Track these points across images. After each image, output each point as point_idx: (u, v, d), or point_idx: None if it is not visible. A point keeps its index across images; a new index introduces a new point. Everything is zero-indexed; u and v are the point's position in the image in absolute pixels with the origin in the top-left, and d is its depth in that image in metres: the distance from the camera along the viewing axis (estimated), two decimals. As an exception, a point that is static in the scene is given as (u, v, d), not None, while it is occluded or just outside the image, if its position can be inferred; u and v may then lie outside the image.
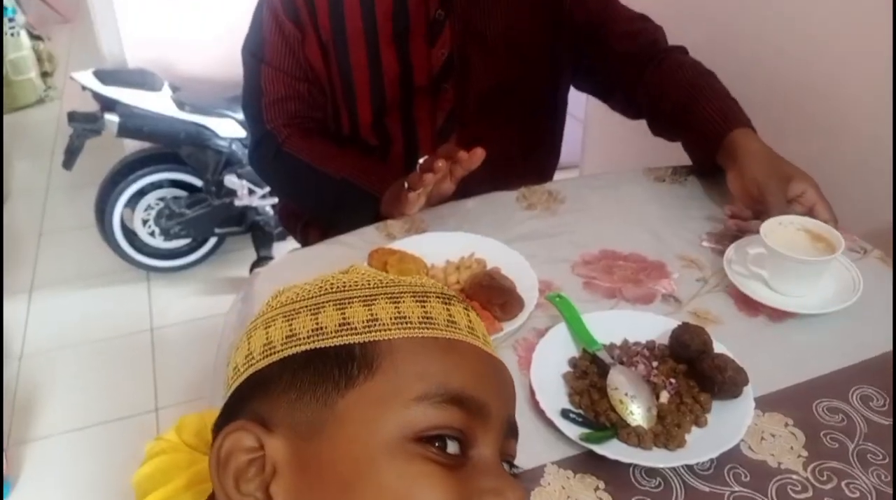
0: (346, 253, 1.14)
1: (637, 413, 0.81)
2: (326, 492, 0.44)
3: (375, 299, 0.48)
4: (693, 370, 0.86)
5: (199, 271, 2.61)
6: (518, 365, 0.91)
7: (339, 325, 0.47)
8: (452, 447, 0.45)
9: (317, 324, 0.47)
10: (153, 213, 2.47)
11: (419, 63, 1.22)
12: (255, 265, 2.54)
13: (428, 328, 0.48)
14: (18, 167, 3.34)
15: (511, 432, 0.50)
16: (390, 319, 0.47)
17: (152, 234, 2.50)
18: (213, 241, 2.60)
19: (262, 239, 2.54)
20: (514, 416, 0.52)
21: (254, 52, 1.24)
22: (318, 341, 0.47)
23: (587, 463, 0.78)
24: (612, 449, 0.77)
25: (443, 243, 1.11)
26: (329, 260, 1.13)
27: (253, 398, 0.48)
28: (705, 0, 1.73)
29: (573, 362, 0.90)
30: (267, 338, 0.48)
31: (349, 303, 0.48)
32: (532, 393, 0.85)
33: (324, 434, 0.45)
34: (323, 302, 0.49)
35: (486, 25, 1.22)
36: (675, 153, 1.29)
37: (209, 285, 2.55)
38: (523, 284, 1.01)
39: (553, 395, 0.85)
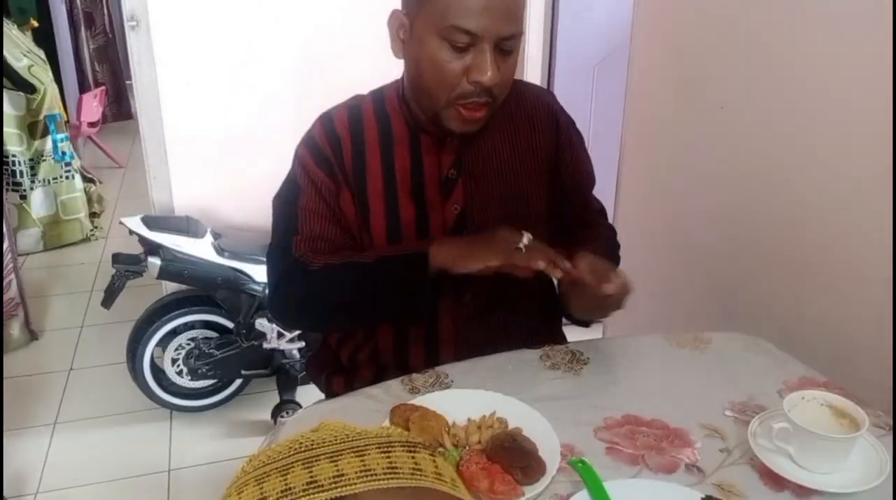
0: (370, 405, 1.16)
1: None
2: None
3: (341, 455, 0.51)
4: (717, 547, 0.85)
5: (222, 413, 2.61)
6: (539, 532, 0.90)
7: (307, 483, 0.49)
8: None
9: (286, 485, 0.49)
10: (183, 353, 2.52)
11: (435, 218, 1.29)
12: (277, 408, 2.54)
13: (393, 478, 0.49)
14: (57, 303, 3.45)
15: None
16: (355, 472, 0.49)
17: (180, 373, 2.53)
18: (238, 382, 2.62)
19: (287, 382, 2.56)
20: None
21: (287, 199, 1.29)
22: None
23: None
24: None
25: (465, 400, 1.13)
26: (353, 412, 1.14)
27: None
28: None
29: (595, 532, 0.88)
30: None
31: (316, 461, 0.50)
32: (552, 564, 0.83)
33: None
34: (292, 462, 0.51)
35: (495, 186, 1.31)
36: (699, 317, 1.32)
37: (231, 427, 2.54)
38: (545, 446, 1.02)
39: (574, 567, 0.83)
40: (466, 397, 1.14)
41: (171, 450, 2.43)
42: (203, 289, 2.45)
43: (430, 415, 1.08)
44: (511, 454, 0.98)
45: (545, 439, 1.04)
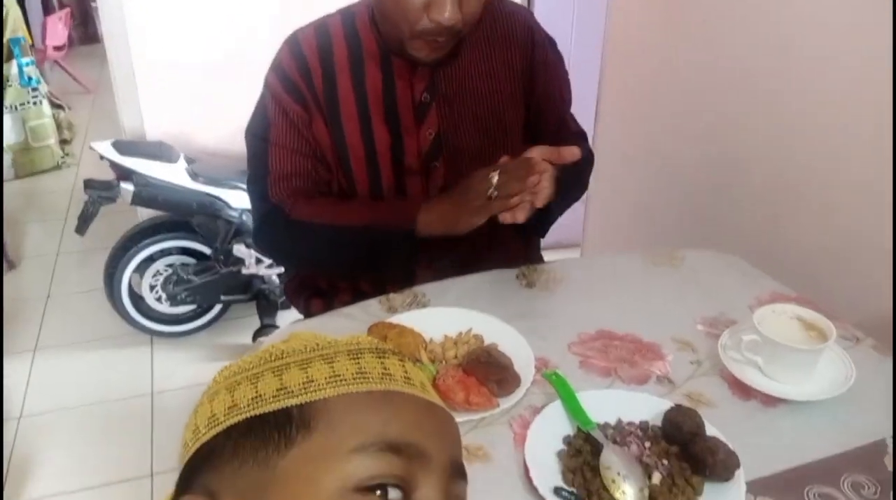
0: (348, 325, 1.16)
1: (629, 493, 0.81)
2: None
3: (311, 362, 0.51)
4: (685, 452, 0.87)
5: (203, 338, 2.63)
6: (513, 442, 0.92)
7: (277, 390, 0.49)
8: (394, 494, 0.46)
9: (256, 392, 0.49)
10: (161, 279, 2.51)
11: (409, 142, 1.26)
12: (257, 333, 2.55)
13: (362, 383, 0.50)
14: (31, 231, 3.40)
15: (457, 473, 0.51)
16: (325, 378, 0.49)
17: (159, 299, 2.53)
18: (217, 308, 2.63)
19: (267, 307, 2.57)
20: (460, 458, 0.53)
21: (258, 134, 1.27)
22: (258, 408, 0.49)
23: (578, 542, 0.79)
24: (604, 529, 0.78)
25: (442, 319, 1.14)
26: (331, 330, 1.13)
27: (200, 472, 0.49)
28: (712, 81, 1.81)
29: (567, 440, 0.91)
30: (211, 411, 0.50)
31: (286, 368, 0.51)
32: (526, 470, 0.86)
33: (268, 496, 0.46)
34: (262, 371, 0.51)
35: (470, 108, 1.28)
36: (675, 237, 1.33)
37: (212, 351, 2.56)
38: (520, 361, 1.03)
39: (547, 472, 0.86)
40: (443, 316, 1.15)
41: (153, 374, 2.46)
42: (178, 215, 2.42)
43: (408, 332, 1.09)
44: (486, 368, 1.00)
45: (520, 354, 1.05)
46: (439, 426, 0.52)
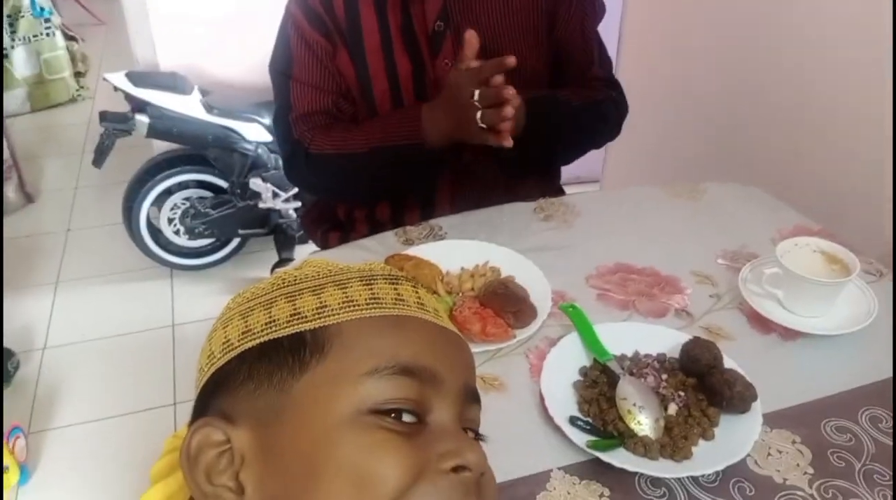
0: (364, 257, 1.16)
1: (645, 424, 0.82)
2: (290, 472, 0.46)
3: (324, 288, 0.50)
4: (702, 384, 0.87)
5: (222, 271, 2.64)
6: (529, 372, 0.93)
7: (290, 315, 0.49)
8: (408, 417, 0.47)
9: (270, 317, 0.50)
10: (179, 212, 2.51)
11: (429, 72, 1.24)
12: (276, 267, 2.57)
13: (375, 308, 0.50)
14: (49, 165, 3.41)
15: (470, 397, 0.52)
16: (338, 304, 0.49)
17: (177, 233, 2.54)
18: (236, 241, 2.64)
19: (284, 241, 2.58)
20: (474, 383, 0.53)
21: (281, 69, 1.26)
22: (272, 333, 0.49)
23: (593, 470, 0.79)
24: (619, 458, 0.78)
25: (459, 251, 1.13)
26: (347, 262, 1.14)
27: (216, 395, 0.50)
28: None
29: (583, 372, 0.91)
30: (225, 337, 0.51)
31: (299, 294, 0.50)
32: (542, 400, 0.86)
33: (283, 419, 0.47)
34: (275, 297, 0.51)
35: (486, 38, 1.24)
36: (696, 173, 1.30)
37: (231, 284, 2.59)
38: (537, 293, 1.03)
39: (562, 402, 0.86)
40: (460, 248, 1.15)
41: (173, 307, 2.49)
42: (194, 147, 2.41)
43: (425, 264, 1.09)
44: (503, 300, 0.99)
45: (537, 286, 1.05)
46: (452, 351, 0.52)
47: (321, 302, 0.49)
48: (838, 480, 0.79)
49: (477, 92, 1.05)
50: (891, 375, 0.92)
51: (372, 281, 0.51)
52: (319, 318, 0.49)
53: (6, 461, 1.75)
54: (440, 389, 0.49)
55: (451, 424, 0.49)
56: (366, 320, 0.49)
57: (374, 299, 0.50)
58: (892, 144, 1.34)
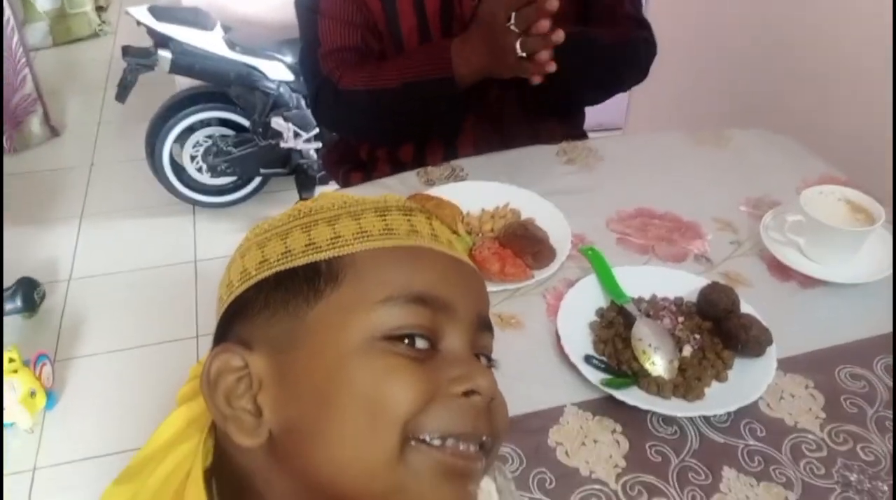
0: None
1: (659, 364, 0.83)
2: (306, 396, 0.47)
3: (339, 219, 0.51)
4: (718, 328, 0.88)
5: (243, 209, 2.67)
6: (546, 312, 0.94)
7: (306, 246, 0.50)
8: (421, 343, 0.48)
9: (285, 247, 0.50)
10: (201, 150, 2.52)
11: (457, 9, 1.22)
12: (296, 207, 2.58)
13: (389, 239, 0.50)
14: (72, 100, 3.42)
15: (483, 326, 0.53)
16: (352, 234, 0.50)
17: (200, 170, 2.56)
18: (257, 180, 2.65)
19: (305, 181, 2.59)
20: (487, 312, 0.54)
21: (308, 4, 1.25)
22: (287, 262, 0.50)
23: (606, 407, 0.81)
24: (632, 396, 0.80)
25: (480, 192, 1.13)
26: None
27: (235, 323, 0.51)
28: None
29: (600, 313, 0.92)
30: (243, 266, 0.52)
31: (314, 225, 0.51)
32: (558, 339, 0.87)
33: (298, 345, 0.48)
34: (291, 228, 0.52)
35: None
36: (720, 121, 1.28)
37: (252, 222, 2.56)
38: (556, 235, 1.03)
39: (578, 341, 0.87)
40: (481, 189, 1.15)
41: (195, 243, 2.52)
42: (216, 84, 2.40)
43: (445, 204, 1.09)
44: (522, 241, 1.00)
45: (557, 229, 1.05)
46: (465, 281, 0.52)
47: (335, 233, 0.50)
48: (850, 425, 0.80)
49: (514, 14, 1.00)
50: (908, 325, 0.92)
51: (386, 212, 0.52)
52: (333, 248, 0.50)
53: (33, 385, 1.81)
54: (453, 317, 0.50)
55: (463, 350, 0.50)
56: (379, 251, 0.50)
57: (388, 229, 0.51)
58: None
